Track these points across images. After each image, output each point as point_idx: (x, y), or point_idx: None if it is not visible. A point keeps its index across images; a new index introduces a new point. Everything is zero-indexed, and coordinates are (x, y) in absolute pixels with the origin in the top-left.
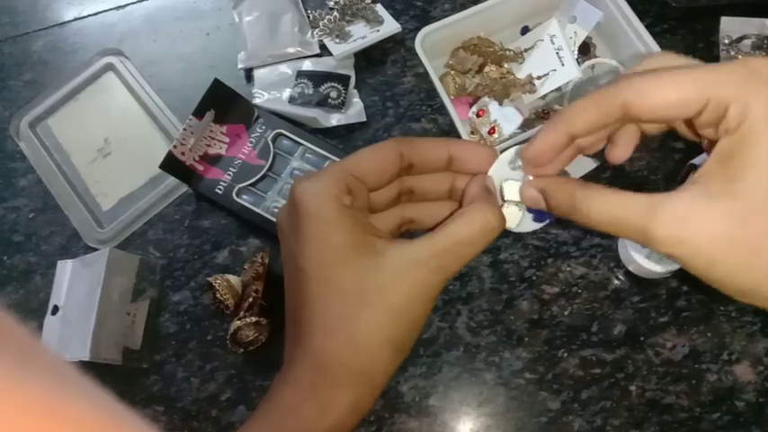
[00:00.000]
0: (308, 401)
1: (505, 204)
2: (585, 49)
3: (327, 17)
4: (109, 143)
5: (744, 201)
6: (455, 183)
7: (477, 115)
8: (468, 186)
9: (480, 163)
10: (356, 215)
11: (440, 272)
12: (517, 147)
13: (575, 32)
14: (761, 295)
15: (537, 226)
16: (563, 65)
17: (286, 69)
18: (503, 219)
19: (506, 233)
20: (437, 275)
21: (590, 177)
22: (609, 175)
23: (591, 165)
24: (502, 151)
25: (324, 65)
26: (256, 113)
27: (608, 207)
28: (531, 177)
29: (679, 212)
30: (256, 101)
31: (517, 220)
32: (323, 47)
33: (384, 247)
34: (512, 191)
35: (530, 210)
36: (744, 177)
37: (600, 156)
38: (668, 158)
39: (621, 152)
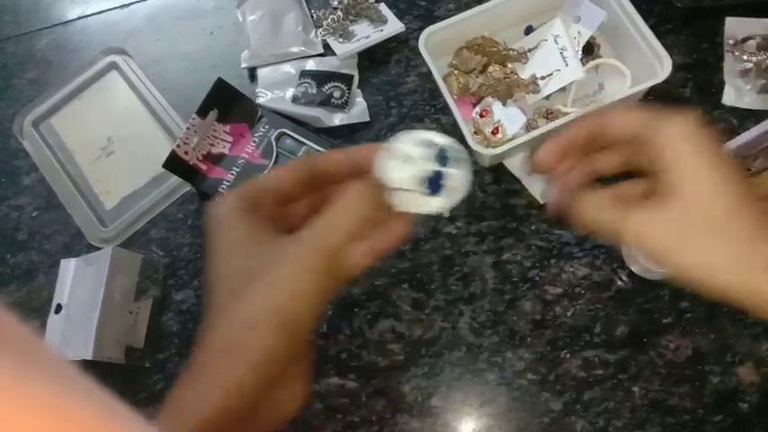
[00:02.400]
0: (187, 390)
1: (398, 193)
2: (589, 49)
3: (331, 17)
4: (112, 142)
5: (675, 209)
6: None
7: (481, 115)
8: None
9: (374, 158)
10: (255, 219)
11: (314, 245)
12: (397, 138)
13: (578, 32)
14: (695, 273)
15: (441, 204)
16: (567, 65)
17: (289, 69)
18: (369, 188)
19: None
20: (311, 249)
21: None
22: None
23: None
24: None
25: (327, 64)
26: (260, 113)
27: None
28: (404, 162)
29: (644, 218)
30: (260, 100)
31: (418, 202)
32: (326, 46)
33: (276, 241)
34: (396, 179)
35: (427, 190)
36: (673, 193)
37: None
38: None
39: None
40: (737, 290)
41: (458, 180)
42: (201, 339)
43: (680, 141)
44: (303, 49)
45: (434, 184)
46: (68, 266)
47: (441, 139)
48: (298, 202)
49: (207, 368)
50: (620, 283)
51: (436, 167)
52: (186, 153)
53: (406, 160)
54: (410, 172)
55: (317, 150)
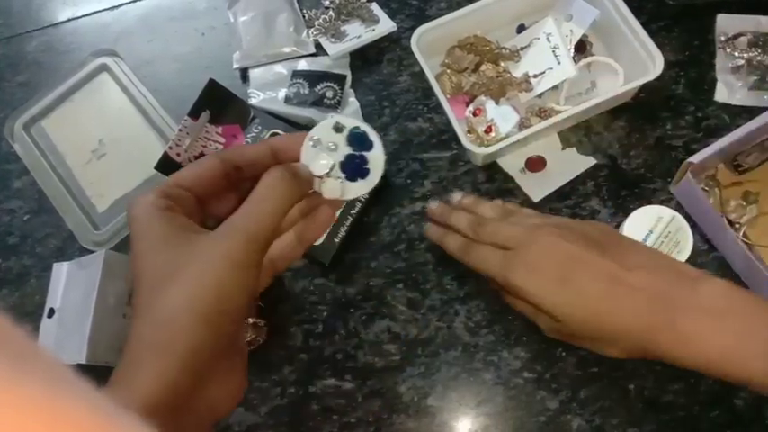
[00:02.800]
0: (117, 386)
1: (322, 180)
2: (582, 48)
3: (323, 16)
4: (104, 144)
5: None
6: None
7: (474, 114)
8: None
9: (296, 149)
10: (173, 216)
11: (237, 233)
12: (314, 128)
13: (571, 30)
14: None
15: (364, 188)
16: (559, 63)
17: (281, 69)
18: (289, 174)
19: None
20: (235, 237)
21: (588, 175)
22: (606, 173)
23: (591, 161)
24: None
25: (319, 64)
26: (252, 113)
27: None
28: (324, 150)
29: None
30: (252, 101)
31: (338, 190)
32: (318, 46)
33: (197, 237)
34: (318, 166)
35: (347, 175)
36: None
37: (597, 154)
38: (665, 156)
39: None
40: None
41: (372, 161)
42: (128, 337)
43: (525, 286)
44: (295, 49)
45: (350, 167)
46: (61, 270)
47: (348, 121)
48: (220, 199)
49: (136, 363)
50: None
51: (349, 151)
52: (178, 155)
53: (325, 148)
54: (330, 159)
55: None
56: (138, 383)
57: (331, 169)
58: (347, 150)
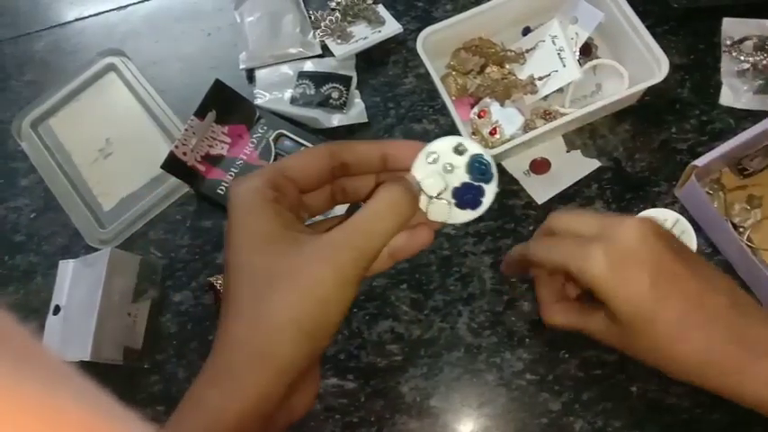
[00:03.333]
0: (210, 389)
1: (431, 200)
2: (587, 50)
3: (329, 18)
4: (110, 143)
5: (619, 333)
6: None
7: (479, 116)
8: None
9: (409, 159)
10: (279, 210)
11: (350, 250)
12: (434, 142)
13: (576, 33)
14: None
15: (469, 217)
16: (564, 66)
17: (287, 70)
18: (411, 192)
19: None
20: (347, 254)
21: (592, 177)
22: (610, 176)
23: (595, 164)
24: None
25: (325, 65)
26: (258, 114)
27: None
28: (440, 170)
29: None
30: (258, 101)
31: (445, 213)
32: (324, 47)
33: (302, 239)
34: (431, 186)
35: (457, 201)
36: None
37: (601, 156)
38: (670, 159)
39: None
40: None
41: (486, 194)
42: (221, 336)
43: (603, 281)
44: (301, 50)
45: (464, 194)
46: (67, 268)
47: (472, 146)
48: (315, 192)
49: (236, 369)
50: None
51: (468, 179)
52: (185, 154)
53: (442, 167)
54: (445, 181)
55: None
56: (235, 389)
57: (443, 191)
58: (465, 177)
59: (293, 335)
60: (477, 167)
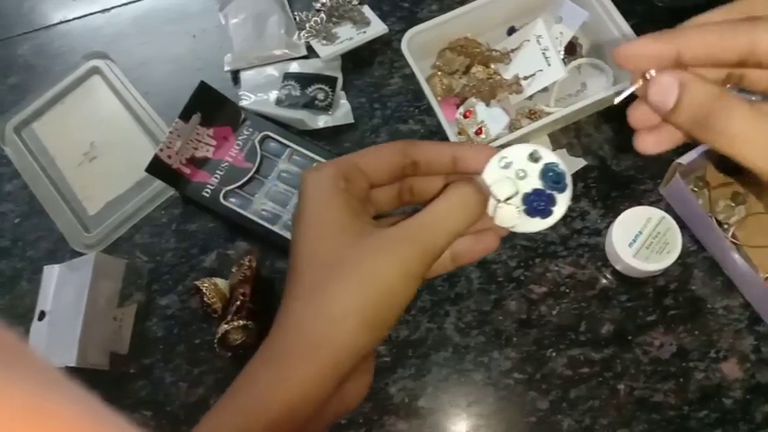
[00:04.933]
0: (264, 370)
1: (500, 204)
2: (572, 49)
3: (314, 19)
4: (95, 147)
5: None
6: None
7: (465, 116)
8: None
9: (481, 162)
10: (349, 200)
11: (416, 244)
12: (508, 148)
13: (561, 33)
14: None
15: (539, 226)
16: (549, 65)
17: (273, 71)
18: (481, 194)
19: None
20: (413, 248)
21: (578, 176)
22: (596, 174)
23: (581, 163)
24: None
25: (311, 66)
26: (243, 116)
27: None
28: (512, 175)
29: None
30: (243, 103)
31: (513, 219)
32: (310, 48)
33: (369, 230)
34: (501, 189)
35: (527, 207)
36: None
37: (587, 155)
38: (655, 158)
39: (657, 142)
40: None
41: (558, 204)
42: (281, 320)
43: None
44: (286, 51)
45: (534, 201)
46: (52, 273)
47: (547, 154)
48: (383, 188)
49: (294, 354)
50: (604, 281)
51: (541, 186)
52: (169, 157)
53: (514, 173)
54: (516, 186)
55: (304, 153)
56: (292, 374)
57: (512, 196)
58: (537, 184)
59: (355, 324)
60: (551, 176)
